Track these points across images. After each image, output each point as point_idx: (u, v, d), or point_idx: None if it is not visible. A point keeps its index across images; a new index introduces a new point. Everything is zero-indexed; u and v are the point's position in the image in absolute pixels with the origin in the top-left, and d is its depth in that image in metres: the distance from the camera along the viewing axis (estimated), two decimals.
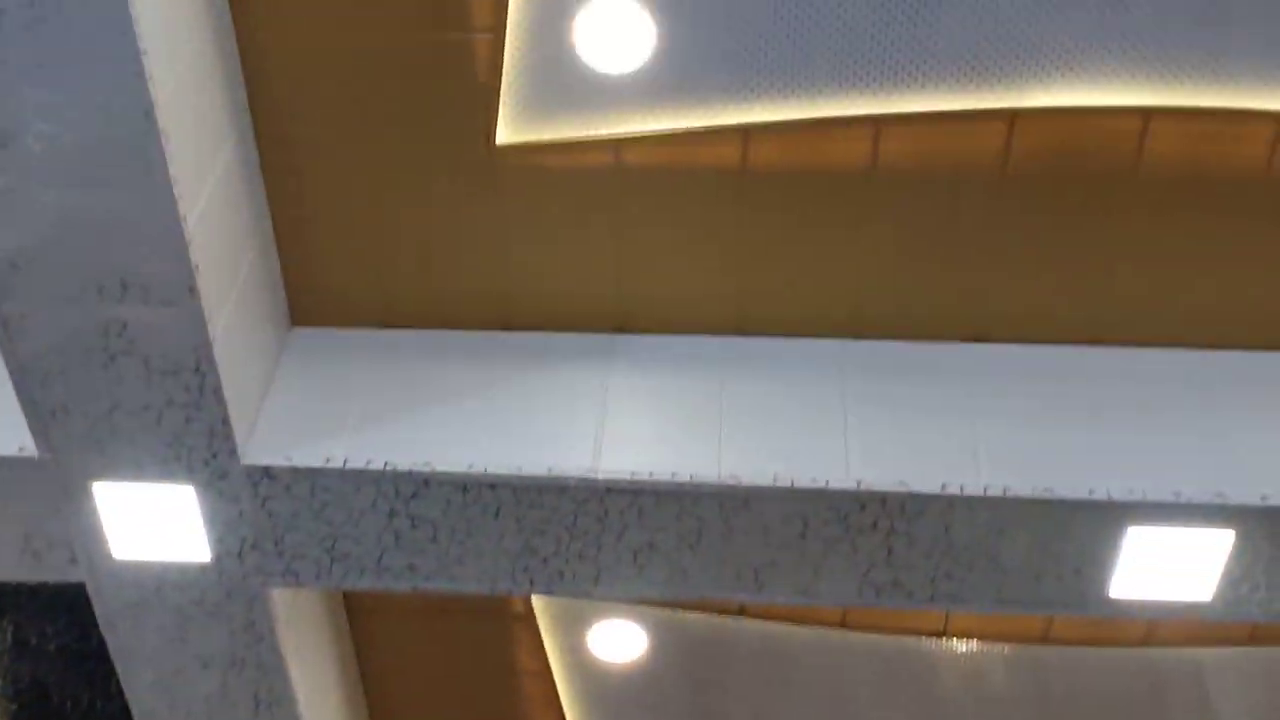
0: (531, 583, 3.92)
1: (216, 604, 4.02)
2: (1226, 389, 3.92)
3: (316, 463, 3.72)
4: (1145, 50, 3.56)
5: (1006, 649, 4.97)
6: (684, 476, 3.70)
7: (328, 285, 4.03)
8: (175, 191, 3.21)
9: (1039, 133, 3.68)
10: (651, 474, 3.70)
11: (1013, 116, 3.66)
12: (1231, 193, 3.74)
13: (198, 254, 3.36)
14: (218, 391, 3.56)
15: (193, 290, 3.38)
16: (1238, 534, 3.68)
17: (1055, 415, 3.84)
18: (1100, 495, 3.64)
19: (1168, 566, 3.76)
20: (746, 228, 3.90)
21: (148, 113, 3.07)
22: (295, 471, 3.72)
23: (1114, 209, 3.80)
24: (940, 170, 3.77)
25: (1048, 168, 3.73)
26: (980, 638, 4.93)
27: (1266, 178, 3.70)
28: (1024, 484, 3.67)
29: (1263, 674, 4.97)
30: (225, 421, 3.62)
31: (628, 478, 3.69)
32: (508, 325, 4.09)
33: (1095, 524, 3.70)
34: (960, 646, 4.98)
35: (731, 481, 3.71)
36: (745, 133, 3.74)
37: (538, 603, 4.85)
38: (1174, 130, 3.65)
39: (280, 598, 4.10)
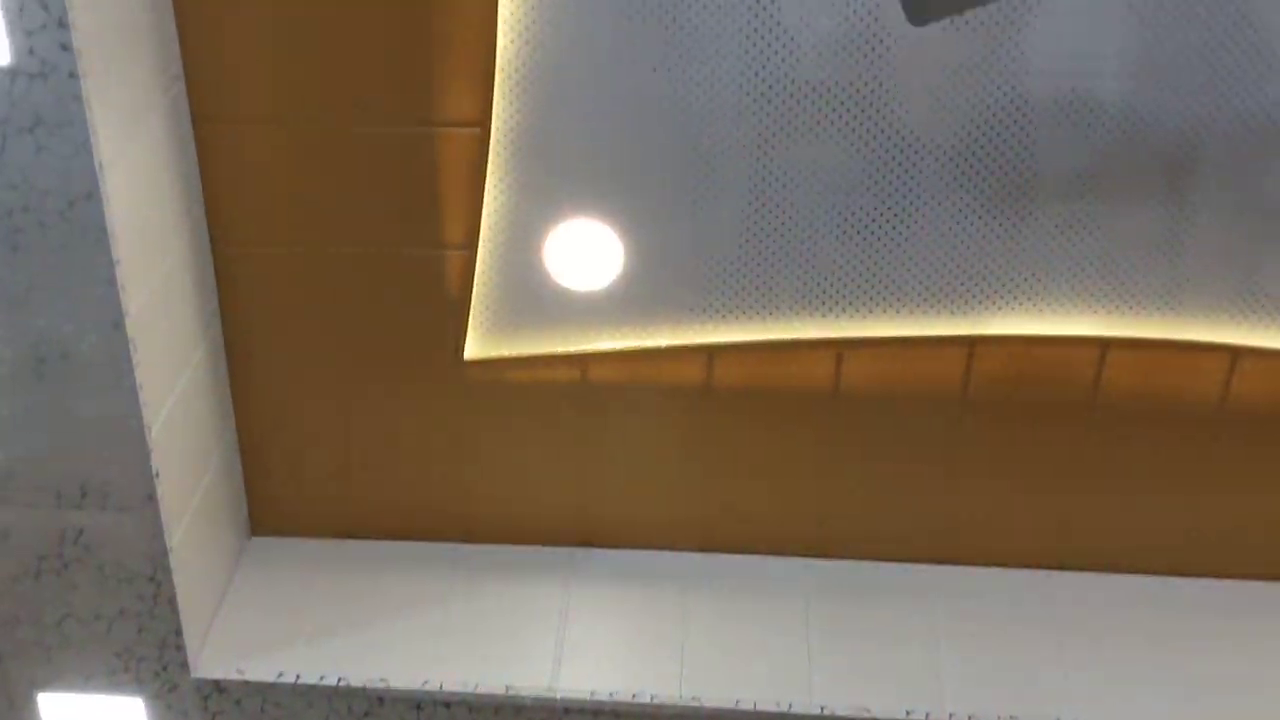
0: None
1: None
2: (1188, 616, 3.92)
3: (269, 677, 3.64)
4: (1100, 281, 3.66)
5: None
6: (645, 697, 3.64)
7: (289, 495, 4.02)
8: (141, 399, 3.22)
9: (998, 359, 3.75)
10: (611, 694, 3.63)
11: (973, 343, 3.74)
12: (1187, 423, 3.80)
13: (160, 461, 3.35)
14: (172, 601, 3.51)
15: (152, 497, 3.36)
16: None
17: (1020, 640, 3.82)
18: None
19: None
20: (711, 446, 3.93)
21: (117, 323, 3.10)
22: (247, 685, 3.64)
23: (1073, 436, 3.85)
24: (902, 393, 3.82)
25: (1008, 394, 3.79)
26: None
27: (1221, 408, 3.77)
28: (989, 710, 3.62)
29: None
30: (178, 632, 3.55)
31: (587, 697, 3.63)
32: (469, 538, 4.07)
33: None
34: None
35: (693, 703, 3.64)
36: (710, 352, 3.80)
37: None
38: (1130, 360, 3.73)
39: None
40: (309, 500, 4.03)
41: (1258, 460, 3.85)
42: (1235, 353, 3.71)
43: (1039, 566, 4.05)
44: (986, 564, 4.04)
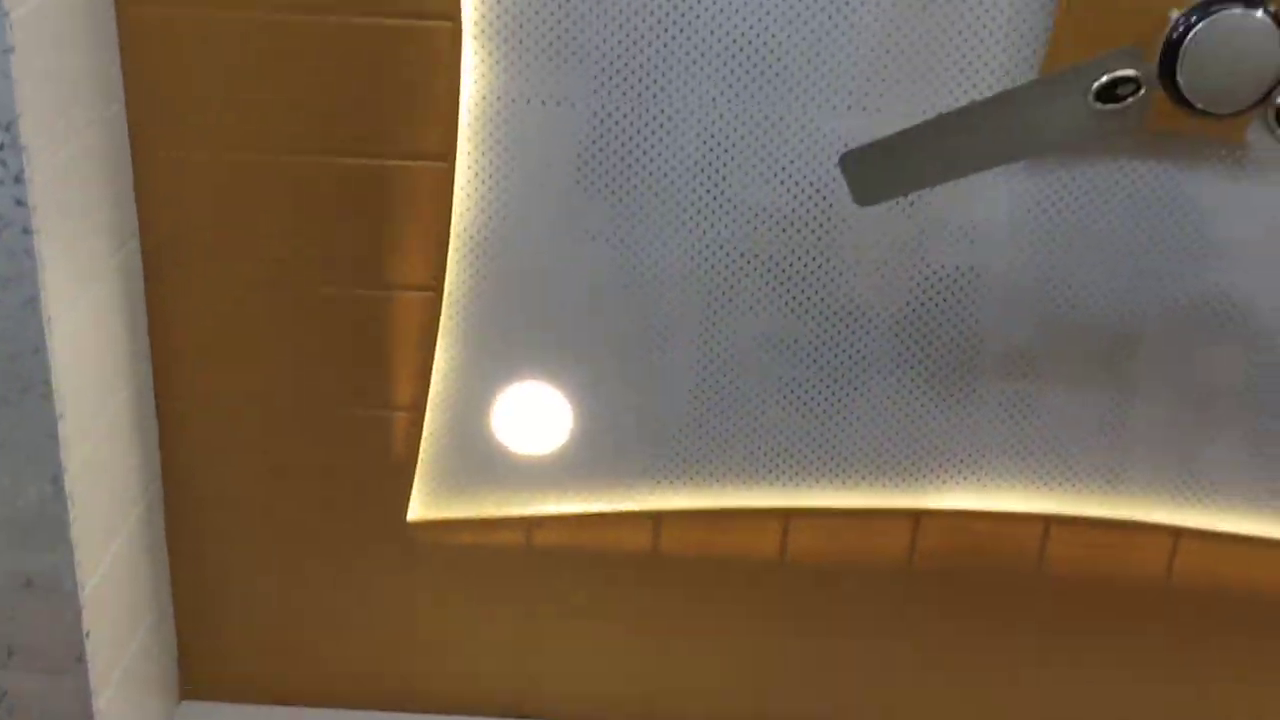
0: None
1: None
2: None
3: None
4: (1043, 459, 3.69)
5: None
6: None
7: (222, 657, 3.92)
8: (75, 557, 3.15)
9: (943, 533, 3.76)
10: None
11: (917, 516, 3.75)
12: (1129, 602, 3.81)
13: (91, 621, 3.27)
14: None
15: (81, 659, 3.27)
16: None
17: None
18: None
19: None
20: (655, 615, 3.89)
21: (56, 479, 3.06)
22: None
23: (1016, 613, 3.85)
24: (847, 564, 3.81)
25: (952, 568, 3.80)
26: None
27: (1164, 588, 3.78)
28: None
29: None
30: None
31: None
32: (406, 706, 3.98)
33: None
34: None
35: None
36: (657, 519, 3.78)
37: None
38: (1073, 538, 3.75)
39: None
40: (242, 664, 3.94)
41: (1196, 643, 3.86)
42: (1176, 534, 3.74)
43: None
44: None
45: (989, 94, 3.14)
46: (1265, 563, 3.76)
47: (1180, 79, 2.49)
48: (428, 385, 3.60)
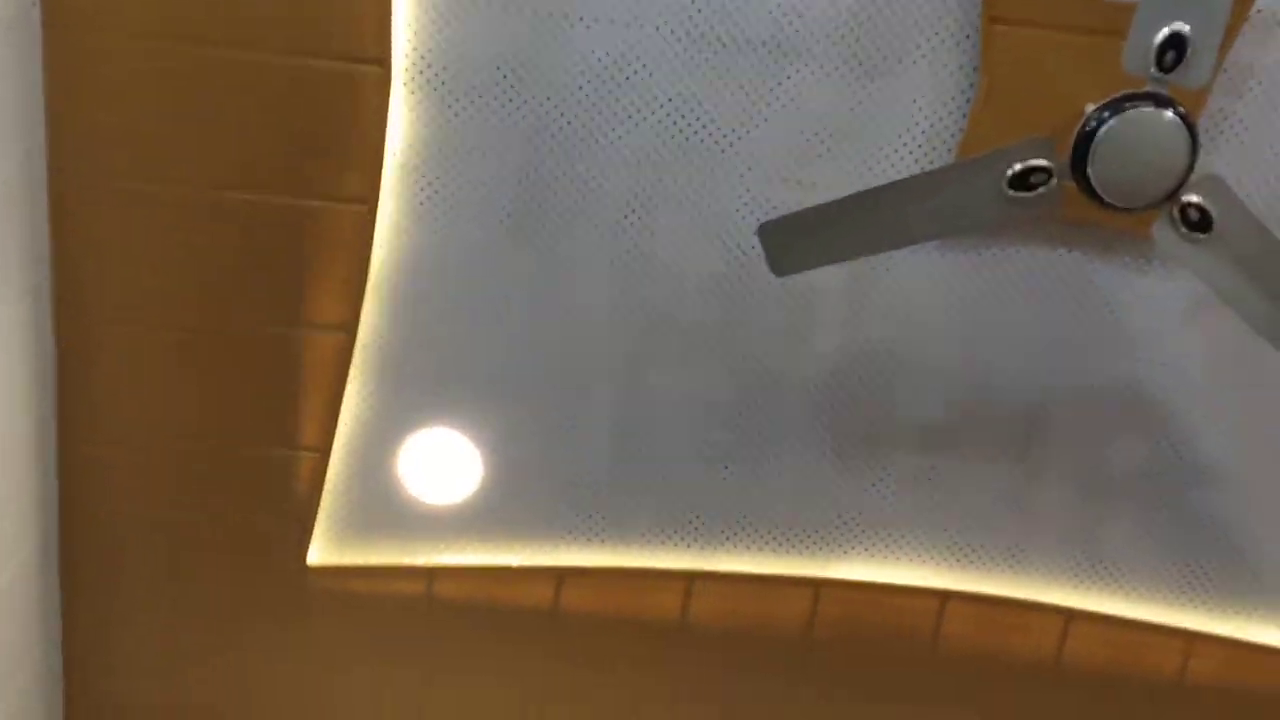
0: None
1: None
2: None
3: None
4: (945, 534, 3.73)
5: None
6: None
7: (110, 701, 3.83)
8: None
9: (843, 603, 3.78)
10: None
11: (818, 585, 3.77)
12: (1020, 679, 3.85)
13: None
14: None
15: None
16: None
17: None
18: None
19: None
20: (552, 672, 3.86)
21: None
22: None
23: (910, 687, 3.87)
24: (748, 630, 3.81)
25: (850, 637, 3.81)
26: None
27: (1055, 667, 3.82)
28: None
29: None
30: None
31: None
32: None
33: None
34: None
35: None
36: (559, 575, 3.76)
37: None
38: (969, 613, 3.78)
39: None
40: (131, 709, 3.85)
41: None
42: (1069, 615, 3.78)
43: None
44: None
45: (909, 174, 3.19)
46: (1156, 647, 3.82)
47: (1091, 171, 2.53)
48: (335, 427, 3.56)
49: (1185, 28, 2.39)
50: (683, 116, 3.22)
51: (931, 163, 3.23)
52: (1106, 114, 2.50)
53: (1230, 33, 2.92)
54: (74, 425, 3.53)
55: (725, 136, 3.24)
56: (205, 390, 3.53)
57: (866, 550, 3.74)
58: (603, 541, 3.74)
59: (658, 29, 3.11)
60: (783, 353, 3.53)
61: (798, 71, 3.14)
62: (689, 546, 3.75)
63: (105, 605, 3.74)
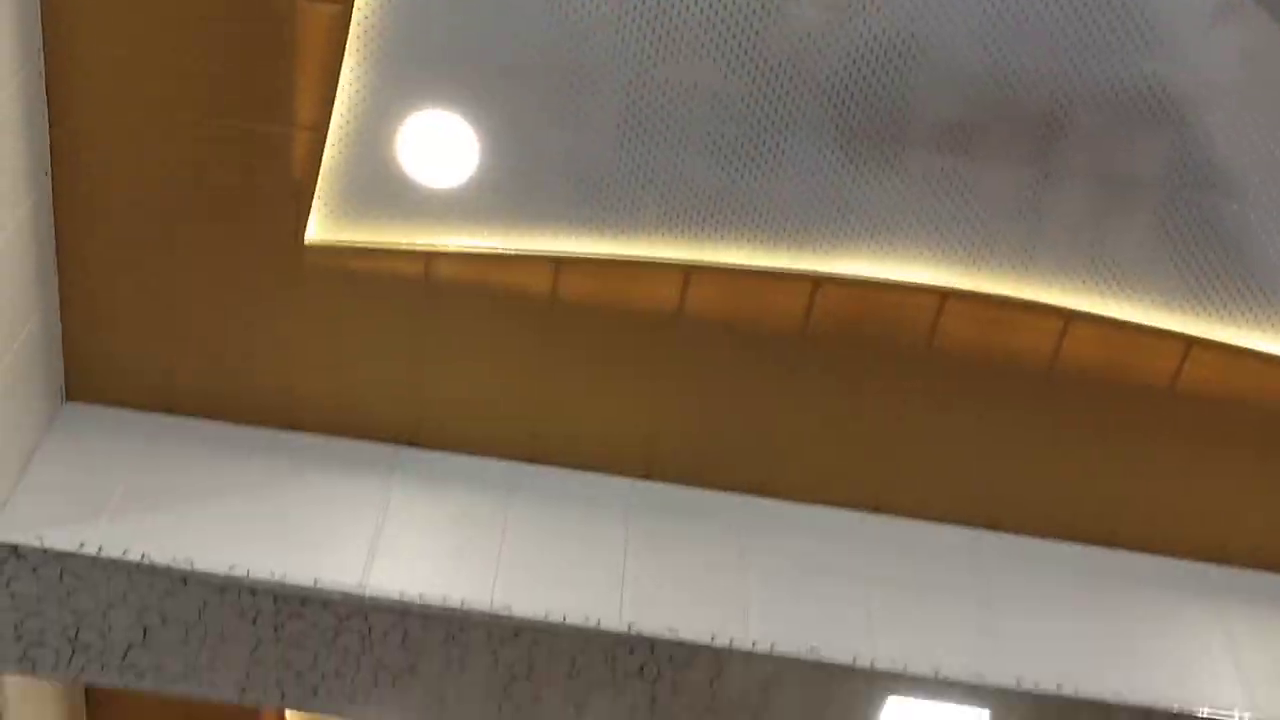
0: (283, 696, 3.76)
1: None
2: (998, 570, 4.01)
3: (70, 546, 3.53)
4: (953, 232, 3.68)
5: None
6: (454, 602, 3.62)
7: (109, 361, 3.88)
8: None
9: (841, 299, 3.77)
10: (421, 596, 3.60)
11: (817, 280, 3.75)
12: (1015, 380, 3.87)
13: None
14: None
15: None
16: (992, 714, 3.73)
17: (831, 578, 3.88)
18: (864, 662, 3.66)
19: None
20: (547, 358, 3.89)
21: None
22: (45, 554, 3.53)
23: (905, 382, 3.90)
24: (744, 323, 3.82)
25: (847, 333, 3.82)
26: None
27: (1050, 369, 3.84)
28: (791, 642, 3.67)
29: None
30: None
31: (396, 597, 3.59)
32: (294, 424, 3.98)
33: (857, 689, 3.71)
34: None
35: (503, 612, 3.63)
36: (557, 263, 3.75)
37: (291, 716, 4.69)
38: (967, 313, 3.77)
39: (13, 681, 3.87)
40: (131, 368, 3.90)
41: (1077, 423, 3.95)
42: (1069, 316, 3.77)
43: (858, 507, 4.09)
44: (806, 501, 4.08)
45: None
46: (1153, 350, 3.82)
47: None
48: (331, 105, 3.48)
49: None
50: None
51: None
52: None
53: None
54: (63, 98, 3.45)
55: None
56: (198, 63, 3.44)
57: (869, 248, 3.70)
58: (603, 231, 3.71)
59: None
60: (797, 45, 3.41)
61: None
62: (690, 238, 3.71)
63: (101, 272, 3.75)
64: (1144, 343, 3.80)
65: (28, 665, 3.70)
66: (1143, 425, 3.94)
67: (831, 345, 3.84)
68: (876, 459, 4.04)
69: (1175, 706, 3.68)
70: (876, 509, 4.09)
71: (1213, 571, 4.11)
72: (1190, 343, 3.81)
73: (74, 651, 3.66)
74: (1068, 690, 3.68)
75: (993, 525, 4.11)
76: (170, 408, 3.95)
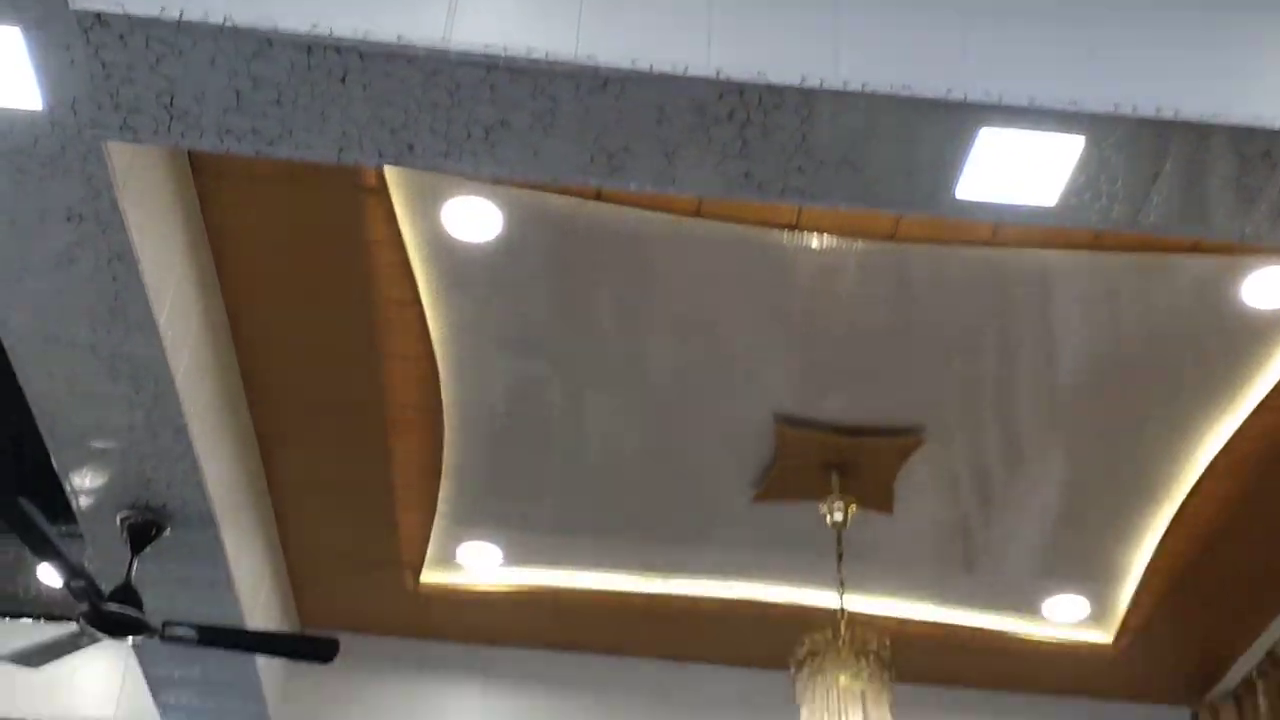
0: (380, 154, 3.83)
1: (51, 156, 3.87)
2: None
3: (152, 12, 3.47)
4: None
5: (858, 244, 5.07)
6: (539, 54, 3.56)
7: None
8: None
9: None
10: (506, 49, 3.55)
11: None
12: None
13: None
14: None
15: None
16: (1087, 141, 3.69)
17: (921, 13, 3.73)
18: (957, 95, 3.60)
19: (1015, 170, 3.78)
20: None
21: None
22: (129, 20, 3.48)
23: None
24: None
25: None
26: (831, 232, 5.02)
27: None
28: (883, 80, 3.60)
29: (1101, 278, 5.17)
30: None
31: (480, 51, 3.54)
32: None
33: (950, 124, 3.67)
34: (813, 241, 5.07)
35: (588, 62, 3.57)
36: None
37: (391, 176, 4.78)
38: None
39: (119, 152, 3.97)
40: None
41: None
42: None
43: None
44: None
45: None
46: None
47: None
48: None
49: None
50: None
51: None
52: None
53: None
54: None
55: None
56: None
57: None
58: None
59: None
60: None
61: None
62: None
63: None
64: None
65: (129, 134, 3.79)
66: None
67: None
68: None
69: (1277, 124, 3.61)
70: None
71: None
72: None
73: (171, 118, 3.72)
74: (1166, 114, 3.61)
75: None
76: None
